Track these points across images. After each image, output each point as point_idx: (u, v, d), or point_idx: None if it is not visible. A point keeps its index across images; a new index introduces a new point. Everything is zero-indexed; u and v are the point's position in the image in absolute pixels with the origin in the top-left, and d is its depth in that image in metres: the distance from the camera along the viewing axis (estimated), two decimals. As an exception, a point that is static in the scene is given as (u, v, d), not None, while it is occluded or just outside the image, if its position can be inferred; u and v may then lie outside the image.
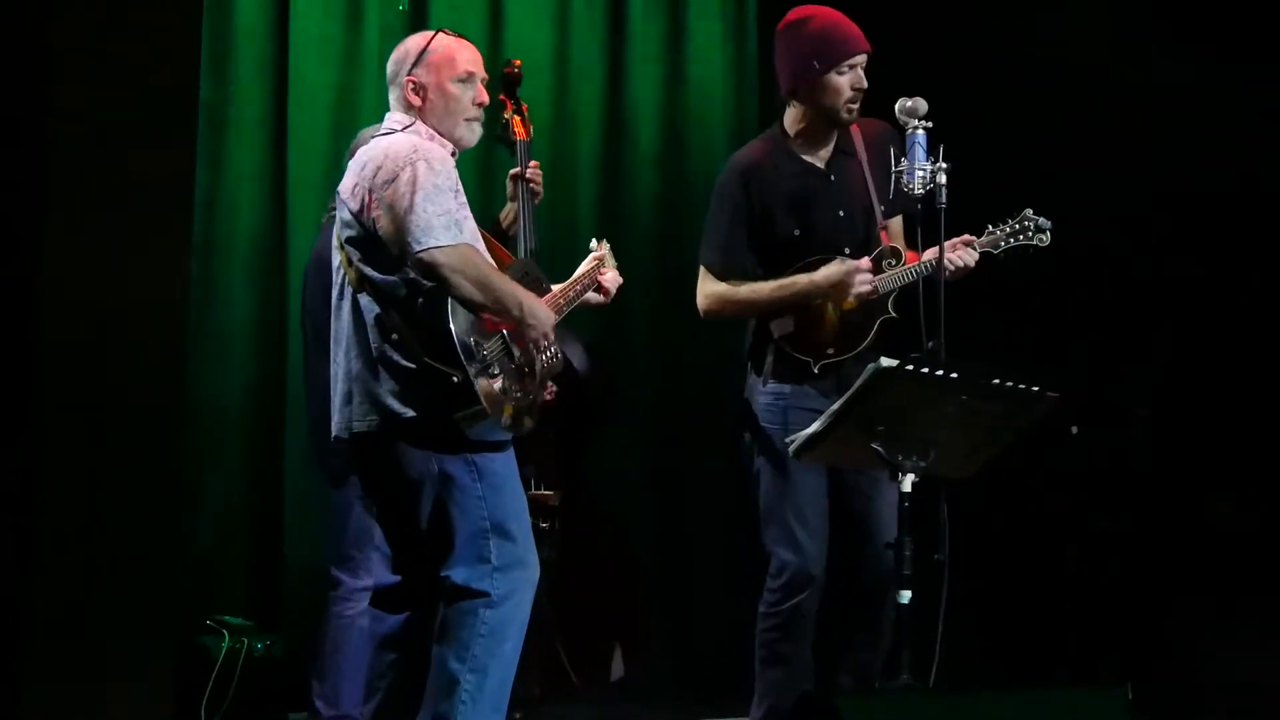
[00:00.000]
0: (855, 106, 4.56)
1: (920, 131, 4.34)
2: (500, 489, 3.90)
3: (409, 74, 3.98)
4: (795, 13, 4.65)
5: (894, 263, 4.52)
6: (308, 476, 5.33)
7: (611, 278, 4.37)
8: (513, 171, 4.97)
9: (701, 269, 4.67)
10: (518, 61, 5.07)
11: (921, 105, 4.35)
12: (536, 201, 5.01)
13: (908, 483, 4.06)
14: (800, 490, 4.51)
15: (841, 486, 4.54)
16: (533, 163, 4.98)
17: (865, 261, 4.49)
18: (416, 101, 3.98)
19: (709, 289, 4.65)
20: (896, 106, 4.38)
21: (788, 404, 4.54)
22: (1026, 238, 4.50)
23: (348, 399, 3.92)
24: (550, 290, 4.20)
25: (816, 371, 4.52)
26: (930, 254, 4.39)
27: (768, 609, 4.56)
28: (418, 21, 5.86)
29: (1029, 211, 4.52)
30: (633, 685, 5.45)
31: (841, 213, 4.59)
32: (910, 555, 4.10)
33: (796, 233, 4.57)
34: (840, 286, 4.48)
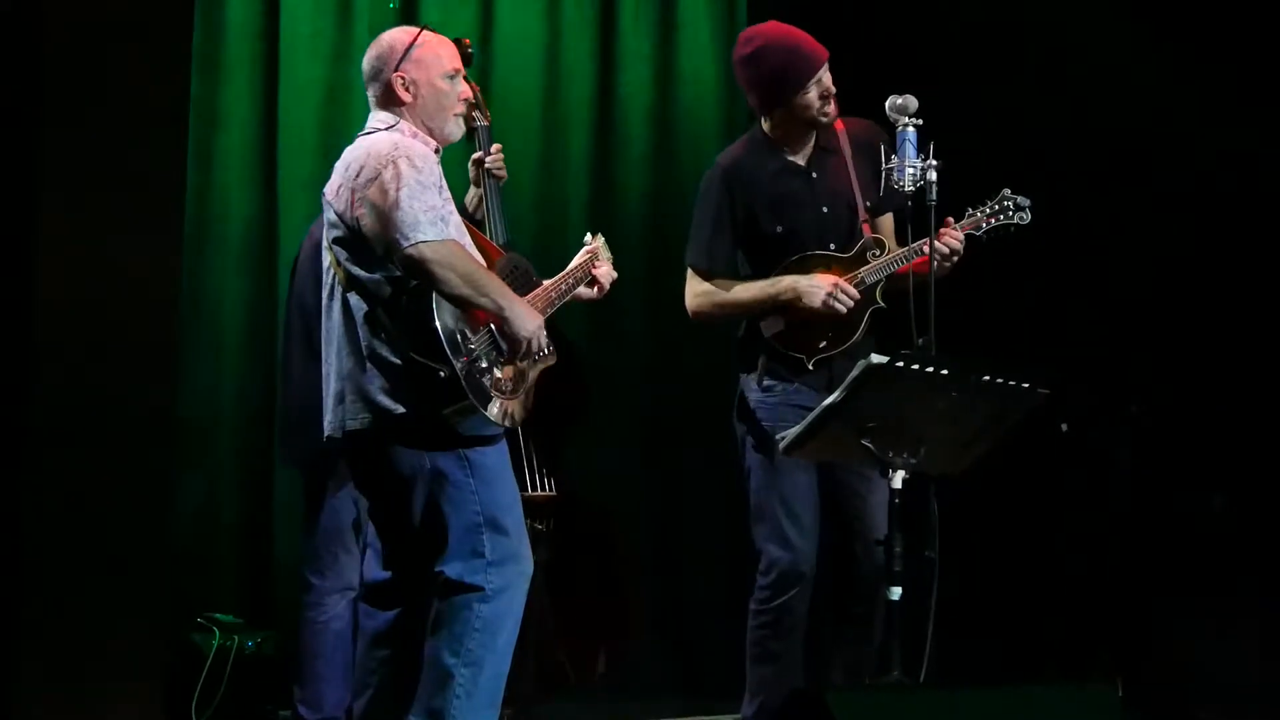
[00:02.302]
0: (829, 109, 4.58)
1: (910, 129, 4.35)
2: (492, 483, 3.90)
3: (397, 70, 3.97)
4: (748, 42, 4.62)
5: (878, 253, 4.53)
6: (297, 473, 5.32)
7: (605, 271, 4.35)
8: (475, 156, 4.93)
9: (689, 270, 4.69)
10: (466, 40, 4.96)
11: (911, 103, 4.36)
12: (500, 185, 4.99)
13: (898, 479, 4.06)
14: (791, 488, 4.52)
15: (833, 484, 4.54)
16: (495, 145, 4.94)
17: (851, 289, 4.49)
18: (407, 98, 3.97)
19: (696, 289, 4.67)
20: (887, 104, 4.39)
21: (780, 401, 4.55)
22: (1007, 217, 4.52)
23: (340, 398, 3.91)
24: (540, 284, 4.19)
25: (811, 367, 4.53)
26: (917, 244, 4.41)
27: (757, 606, 4.57)
28: (408, 18, 5.84)
29: (1007, 191, 4.54)
30: (627, 683, 5.46)
31: (825, 209, 4.61)
32: (900, 552, 4.10)
33: (779, 230, 4.59)
34: (814, 302, 4.48)
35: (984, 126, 5.65)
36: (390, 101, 3.99)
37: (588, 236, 4.44)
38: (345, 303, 3.91)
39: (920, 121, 4.34)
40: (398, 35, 4.04)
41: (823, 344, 4.54)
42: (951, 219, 4.50)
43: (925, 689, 4.14)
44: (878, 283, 4.52)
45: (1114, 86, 5.79)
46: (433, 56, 4.00)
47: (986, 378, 4.04)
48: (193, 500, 5.62)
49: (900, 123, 4.35)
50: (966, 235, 4.49)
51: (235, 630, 5.36)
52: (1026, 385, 4.08)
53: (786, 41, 4.57)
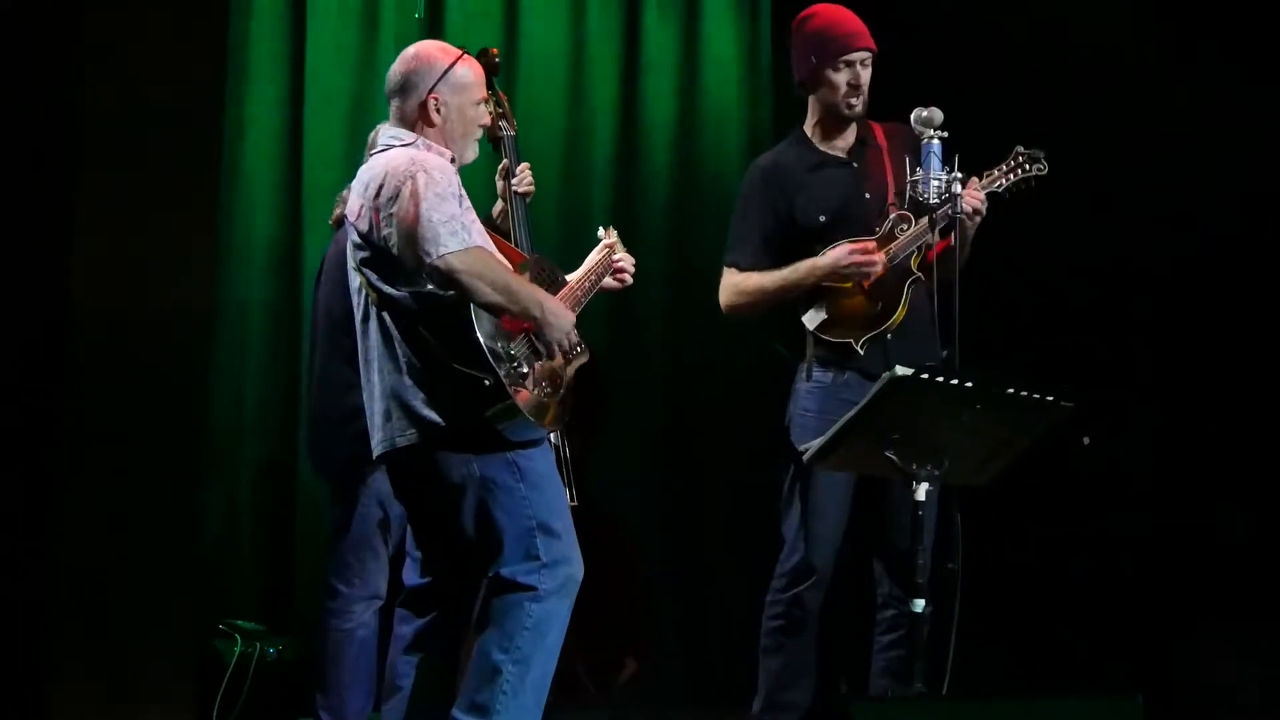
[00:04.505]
0: (855, 102, 4.60)
1: (935, 141, 4.36)
2: (541, 487, 3.90)
3: (432, 91, 3.93)
4: (809, 9, 4.72)
5: (906, 227, 4.51)
6: (320, 480, 5.35)
7: (626, 260, 4.36)
8: (502, 166, 4.92)
9: (724, 269, 4.70)
10: (494, 50, 4.95)
11: (937, 115, 4.37)
12: (528, 200, 5.01)
13: (921, 491, 4.06)
14: (821, 484, 4.50)
15: (881, 486, 4.51)
16: (523, 165, 4.96)
17: (870, 244, 4.49)
18: (437, 121, 3.94)
19: (726, 282, 4.68)
20: (912, 116, 4.40)
21: (826, 392, 4.52)
22: (1025, 171, 4.52)
23: (387, 416, 3.89)
24: (566, 282, 4.20)
25: (862, 351, 4.51)
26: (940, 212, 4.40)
27: (772, 596, 4.58)
28: (433, 30, 5.87)
29: (1019, 147, 4.54)
30: (643, 691, 5.46)
31: (868, 195, 4.61)
32: (924, 564, 4.10)
33: (823, 219, 4.58)
34: (846, 270, 4.48)
35: (985, 133, 5.64)
36: (418, 120, 3.95)
37: (601, 230, 4.44)
38: (381, 322, 3.89)
39: (946, 134, 4.35)
40: (434, 53, 3.99)
41: (866, 325, 4.52)
42: (976, 179, 4.50)
43: (948, 701, 4.14)
44: (910, 254, 4.48)
45: (1118, 92, 5.78)
46: (469, 82, 3.97)
47: (1010, 391, 4.04)
48: (215, 507, 5.63)
49: (925, 135, 4.36)
50: (990, 195, 4.48)
51: (257, 637, 5.36)
52: (1050, 399, 4.08)
53: (834, 16, 4.64)
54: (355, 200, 3.92)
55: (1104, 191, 5.73)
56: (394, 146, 3.93)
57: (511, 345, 3.85)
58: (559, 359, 3.94)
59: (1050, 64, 5.87)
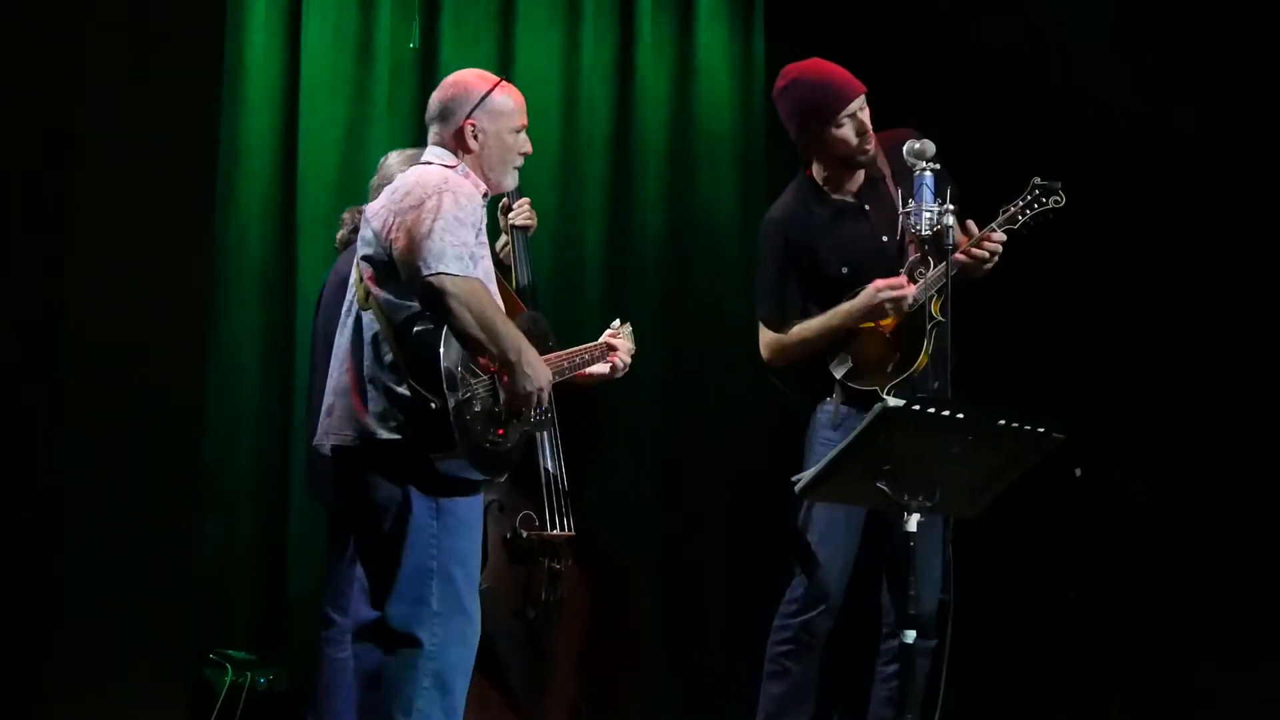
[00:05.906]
0: (869, 147, 4.60)
1: (928, 174, 4.37)
2: (455, 532, 3.85)
3: (469, 117, 3.97)
4: (784, 74, 4.72)
5: (924, 271, 4.51)
6: (313, 507, 5.34)
7: (625, 350, 4.37)
8: (502, 205, 4.99)
9: (760, 325, 4.72)
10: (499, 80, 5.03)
11: (929, 147, 4.39)
12: (529, 234, 5.04)
13: (913, 523, 4.06)
14: (832, 511, 4.51)
15: (887, 524, 4.51)
16: (522, 200, 5.01)
17: (893, 280, 4.50)
18: (474, 147, 3.98)
19: (765, 339, 4.71)
20: (904, 149, 4.42)
21: (849, 425, 4.49)
22: (1041, 205, 4.51)
23: (329, 411, 3.92)
24: (553, 351, 4.19)
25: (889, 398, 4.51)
26: (957, 256, 4.40)
27: (780, 621, 4.59)
28: (428, 57, 5.90)
29: (1036, 179, 4.52)
30: (641, 716, 5.45)
31: (885, 239, 4.62)
32: (915, 594, 4.10)
33: (845, 270, 4.60)
34: (876, 309, 4.49)
35: (983, 161, 5.67)
36: (456, 145, 3.99)
37: (616, 323, 4.46)
38: (359, 320, 3.92)
39: (938, 166, 4.37)
40: (471, 79, 4.05)
41: (890, 368, 4.53)
42: (1001, 211, 4.49)
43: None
44: (930, 299, 4.49)
45: (1130, 122, 5.79)
46: (507, 108, 4.02)
47: (1001, 422, 4.04)
48: (207, 535, 5.62)
49: (918, 167, 4.38)
50: (1008, 232, 4.48)
51: (248, 666, 5.35)
52: (1041, 430, 4.08)
53: (818, 74, 4.64)
54: (381, 199, 3.96)
55: (1101, 222, 5.73)
56: (434, 164, 3.97)
57: (473, 379, 3.82)
58: (517, 412, 3.90)
59: (1046, 71, 5.88)
